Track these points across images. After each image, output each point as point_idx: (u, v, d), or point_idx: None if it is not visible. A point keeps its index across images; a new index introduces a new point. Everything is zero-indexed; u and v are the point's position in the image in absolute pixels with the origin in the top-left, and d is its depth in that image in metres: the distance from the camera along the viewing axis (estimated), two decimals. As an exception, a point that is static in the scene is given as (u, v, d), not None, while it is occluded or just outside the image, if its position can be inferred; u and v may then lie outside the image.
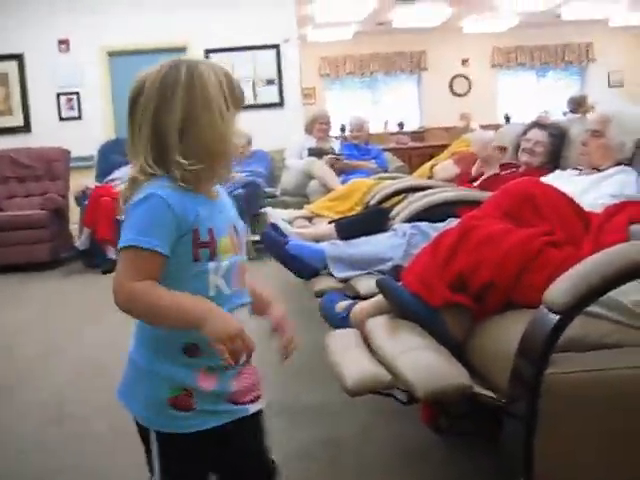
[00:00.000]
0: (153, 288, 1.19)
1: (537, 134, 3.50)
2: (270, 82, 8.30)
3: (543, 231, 1.86)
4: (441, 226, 2.65)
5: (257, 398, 1.38)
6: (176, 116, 1.23)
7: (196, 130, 1.23)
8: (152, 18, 8.00)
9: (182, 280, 1.23)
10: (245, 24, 8.09)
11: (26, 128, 8.21)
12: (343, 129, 10.49)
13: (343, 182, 5.17)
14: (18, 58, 8.13)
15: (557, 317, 1.39)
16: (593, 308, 1.55)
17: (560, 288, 1.45)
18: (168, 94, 1.25)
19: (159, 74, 1.31)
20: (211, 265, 1.24)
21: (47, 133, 7.93)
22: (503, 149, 3.86)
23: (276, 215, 3.86)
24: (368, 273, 2.59)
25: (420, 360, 1.58)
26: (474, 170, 3.94)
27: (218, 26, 8.09)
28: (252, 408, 1.36)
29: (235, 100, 1.29)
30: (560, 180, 2.79)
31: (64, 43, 8.13)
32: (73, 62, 8.13)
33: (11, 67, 8.17)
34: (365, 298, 2.24)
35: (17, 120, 8.23)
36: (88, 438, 2.35)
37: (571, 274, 1.47)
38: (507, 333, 1.61)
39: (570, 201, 2.03)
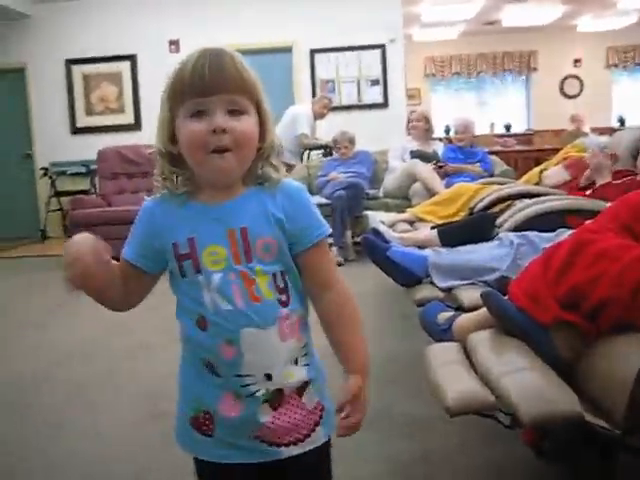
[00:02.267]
0: None
1: (658, 139, 3.30)
2: (375, 82, 8.25)
3: (666, 248, 1.72)
4: (550, 236, 2.52)
5: (300, 440, 1.16)
6: (160, 117, 1.15)
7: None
8: (259, 18, 8.12)
9: (182, 294, 1.16)
10: (351, 24, 8.08)
11: (137, 126, 8.51)
12: (448, 131, 10.31)
13: (447, 185, 5.05)
14: (131, 59, 8.43)
15: (684, 345, 1.27)
16: None
17: (687, 313, 1.32)
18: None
19: None
20: (201, 279, 1.11)
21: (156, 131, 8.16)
22: (614, 156, 3.66)
23: (377, 219, 3.80)
24: (472, 283, 2.49)
25: (527, 382, 1.48)
26: (583, 179, 3.75)
27: (324, 26, 8.12)
28: (288, 452, 1.15)
29: (190, 88, 1.09)
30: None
31: (174, 44, 8.37)
32: (182, 62, 8.33)
33: (124, 67, 8.49)
34: (469, 310, 2.15)
35: (128, 118, 8.55)
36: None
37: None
38: (624, 358, 1.49)
39: (697, 215, 1.87)
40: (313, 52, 8.24)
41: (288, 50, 8.26)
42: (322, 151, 6.96)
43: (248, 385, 1.11)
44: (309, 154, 7.15)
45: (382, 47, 8.18)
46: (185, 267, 1.13)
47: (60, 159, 8.58)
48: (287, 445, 1.14)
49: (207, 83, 1.08)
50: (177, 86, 1.10)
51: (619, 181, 3.36)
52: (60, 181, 8.50)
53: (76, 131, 8.69)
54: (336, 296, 1.23)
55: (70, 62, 8.59)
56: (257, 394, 1.11)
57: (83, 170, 8.38)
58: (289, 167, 6.75)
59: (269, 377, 1.11)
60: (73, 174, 8.47)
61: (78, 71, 8.62)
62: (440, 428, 2.27)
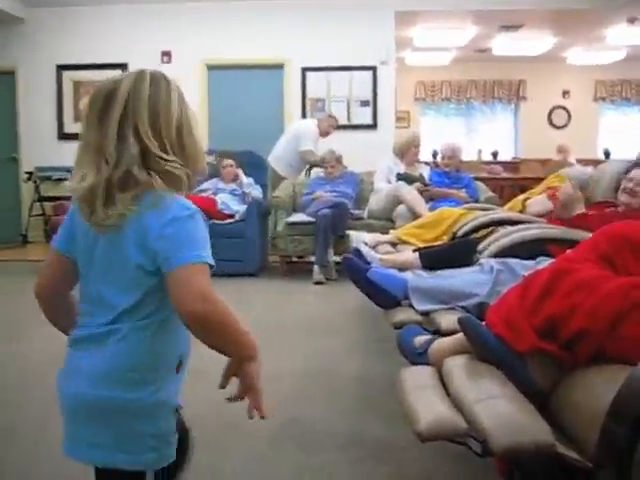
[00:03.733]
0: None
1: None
2: (365, 103, 8.28)
3: (644, 281, 1.72)
4: (531, 264, 2.53)
5: None
6: None
7: None
8: (252, 34, 8.14)
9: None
10: (343, 44, 8.12)
11: (125, 135, 8.46)
12: (435, 155, 10.36)
13: (431, 209, 5.06)
14: (122, 67, 8.40)
15: (658, 379, 1.26)
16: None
17: (663, 347, 1.32)
18: None
19: None
20: None
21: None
22: (583, 189, 3.70)
23: (359, 239, 3.79)
24: (451, 308, 2.49)
25: (499, 410, 1.47)
26: (555, 213, 3.77)
27: (316, 45, 8.15)
28: None
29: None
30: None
31: (166, 55, 8.38)
32: (174, 73, 8.28)
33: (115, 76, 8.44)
34: (446, 334, 2.14)
35: (117, 126, 8.50)
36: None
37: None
38: (598, 389, 1.48)
39: (677, 250, 1.87)
40: (305, 70, 8.27)
41: (280, 67, 8.28)
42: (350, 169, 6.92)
43: None
44: (310, 171, 7.12)
45: (373, 69, 8.22)
46: None
47: (46, 164, 8.51)
48: None
49: None
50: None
51: (594, 212, 3.38)
52: (44, 186, 8.44)
53: (63, 137, 8.64)
54: None
55: (61, 68, 8.57)
56: None
57: (68, 176, 8.28)
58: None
59: None
60: (58, 180, 8.41)
61: (68, 77, 8.60)
62: (414, 454, 2.25)
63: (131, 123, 1.26)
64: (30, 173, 8.45)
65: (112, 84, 1.29)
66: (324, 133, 6.93)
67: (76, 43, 8.50)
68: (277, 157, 6.91)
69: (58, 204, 6.72)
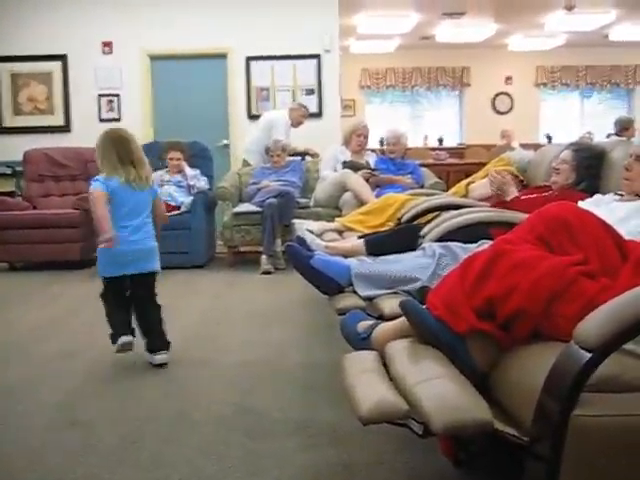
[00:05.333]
0: None
1: (565, 153, 3.40)
2: (310, 92, 8.26)
3: (578, 259, 1.76)
4: (473, 247, 2.56)
5: None
6: None
7: None
8: (194, 24, 8.03)
9: None
10: (287, 32, 8.07)
11: (66, 128, 8.30)
12: (382, 142, 10.41)
13: (377, 196, 5.09)
14: (62, 58, 8.22)
15: (588, 355, 1.29)
16: (629, 346, 1.44)
17: (593, 323, 1.35)
18: None
19: None
20: None
21: (86, 134, 7.96)
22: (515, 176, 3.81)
23: (303, 227, 3.79)
24: (394, 293, 2.51)
25: (439, 390, 1.49)
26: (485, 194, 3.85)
27: (260, 33, 8.09)
28: None
29: None
30: (599, 206, 2.68)
31: (107, 45, 8.21)
32: (115, 64, 8.19)
33: (55, 67, 8.26)
34: (389, 319, 2.16)
35: (58, 120, 8.33)
36: (94, 447, 2.29)
37: (607, 308, 1.38)
38: (533, 366, 1.52)
39: (608, 228, 1.92)
40: (249, 59, 8.20)
41: (223, 57, 8.20)
42: (299, 158, 6.89)
43: None
44: None
45: (318, 57, 8.19)
46: None
47: (-16, 159, 8.29)
48: None
49: None
50: None
51: (531, 196, 3.45)
52: (-16, 181, 8.22)
53: (2, 131, 8.40)
54: None
55: (-3, 59, 8.33)
56: None
57: (8, 171, 8.09)
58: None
59: None
60: (-2, 175, 8.20)
61: (6, 69, 8.35)
62: (361, 438, 2.27)
63: None
64: (-32, 169, 8.21)
65: None
66: (296, 123, 6.91)
67: (13, 34, 8.25)
68: (249, 149, 6.86)
69: (0, 200, 6.55)
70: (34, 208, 6.58)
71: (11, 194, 7.57)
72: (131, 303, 3.22)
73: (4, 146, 8.21)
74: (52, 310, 4.50)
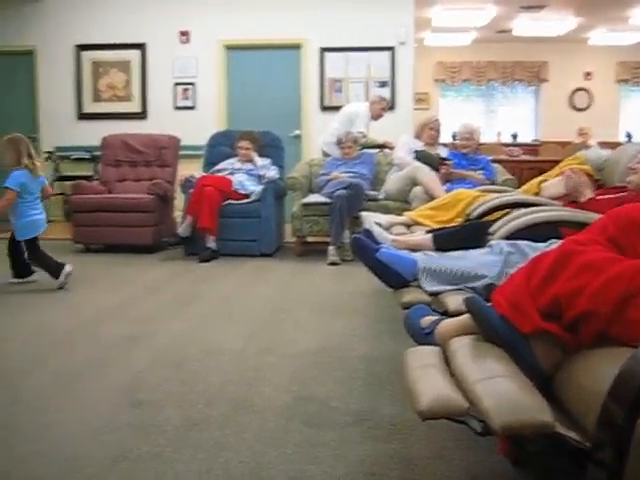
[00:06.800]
0: None
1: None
2: (383, 84, 8.24)
3: (652, 263, 1.71)
4: (541, 247, 2.52)
5: None
6: None
7: None
8: (270, 15, 8.12)
9: None
10: (362, 24, 8.07)
11: (143, 114, 8.52)
12: (455, 137, 10.28)
13: (448, 191, 5.04)
14: (141, 47, 8.43)
15: (659, 361, 1.26)
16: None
17: (664, 329, 1.31)
18: None
19: None
20: None
21: (162, 120, 8.19)
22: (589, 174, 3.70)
23: (371, 220, 3.79)
24: (459, 289, 2.49)
25: (500, 389, 1.47)
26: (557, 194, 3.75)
27: (335, 25, 8.11)
28: None
29: None
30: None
31: (185, 35, 8.37)
32: (192, 53, 8.35)
33: (134, 55, 8.48)
34: (453, 315, 2.15)
35: (135, 106, 8.56)
36: (159, 427, 2.36)
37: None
38: (600, 370, 1.48)
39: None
40: (323, 50, 8.23)
41: (297, 47, 8.25)
42: (378, 150, 6.89)
43: None
44: None
45: (392, 49, 8.16)
46: None
47: (65, 144, 8.58)
48: None
49: None
50: None
51: (605, 197, 3.35)
52: (64, 165, 8.51)
53: (82, 117, 8.69)
54: None
55: (80, 47, 8.59)
56: None
57: (87, 156, 8.38)
58: None
59: None
60: (77, 159, 8.47)
61: (87, 57, 8.62)
62: (421, 433, 2.27)
63: None
64: (50, 153, 8.52)
65: None
66: (376, 116, 6.90)
67: (95, 23, 8.51)
68: (328, 141, 6.86)
69: (76, 183, 6.76)
70: (110, 192, 6.78)
71: (88, 178, 7.83)
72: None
73: (83, 131, 8.49)
74: (122, 293, 4.63)
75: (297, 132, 8.32)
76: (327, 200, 5.86)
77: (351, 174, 6.13)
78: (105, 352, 3.28)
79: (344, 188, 5.79)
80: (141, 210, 6.24)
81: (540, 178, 4.41)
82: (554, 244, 2.45)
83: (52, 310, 4.16)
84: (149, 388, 2.76)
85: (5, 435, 2.30)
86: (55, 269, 4.66)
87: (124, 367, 3.04)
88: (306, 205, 6.04)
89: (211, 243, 5.87)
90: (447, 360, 1.81)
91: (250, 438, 2.26)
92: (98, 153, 7.60)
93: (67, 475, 2.02)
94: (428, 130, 6.14)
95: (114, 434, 2.30)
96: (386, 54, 8.18)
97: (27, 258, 4.73)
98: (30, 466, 2.07)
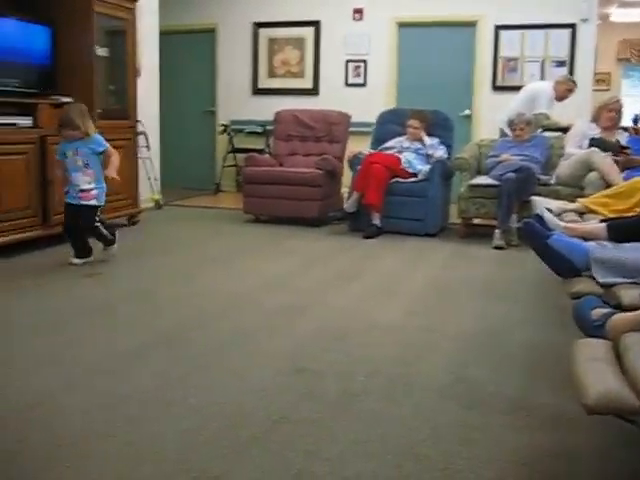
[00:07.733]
0: None
1: None
2: (560, 64, 7.89)
3: None
4: None
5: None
6: None
7: None
8: (446, -9, 7.98)
9: None
10: (541, 0, 7.74)
11: (314, 91, 8.70)
12: (636, 120, 9.67)
13: (626, 179, 4.76)
14: (315, 24, 8.60)
15: None
16: None
17: None
18: None
19: None
20: None
21: (333, 97, 8.33)
22: None
23: (542, 205, 3.67)
24: (634, 283, 2.36)
25: (678, 391, 1.40)
26: None
27: (512, 1, 7.84)
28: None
29: None
30: None
31: (358, 12, 8.43)
32: (364, 31, 8.40)
33: (308, 33, 8.67)
34: (627, 309, 2.05)
35: (307, 83, 8.76)
36: (320, 395, 2.44)
37: None
38: None
39: None
40: (498, 28, 7.99)
41: (472, 25, 8.07)
42: (560, 133, 6.63)
43: None
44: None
45: (572, 27, 7.78)
46: None
47: (239, 117, 8.96)
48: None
49: None
50: None
51: None
52: (237, 139, 8.90)
53: (257, 92, 9.02)
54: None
55: (257, 25, 8.90)
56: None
57: (259, 130, 8.70)
58: None
59: None
60: (250, 133, 8.83)
61: (264, 34, 8.91)
62: (581, 426, 2.19)
63: None
64: (225, 126, 8.93)
65: None
66: (560, 97, 6.66)
67: (272, 1, 8.78)
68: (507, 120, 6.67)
69: (249, 156, 7.05)
70: (280, 165, 7.00)
71: (261, 151, 8.14)
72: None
73: (258, 106, 8.82)
74: (287, 264, 4.79)
75: (467, 112, 8.16)
76: (495, 182, 5.72)
77: (522, 157, 5.93)
78: (270, 319, 3.43)
79: (514, 171, 5.62)
80: (309, 184, 6.39)
81: None
82: None
83: (222, 275, 4.40)
84: (311, 357, 2.86)
85: (179, 385, 2.48)
86: (111, 240, 4.67)
87: (288, 335, 3.17)
88: (473, 187, 5.93)
89: (376, 220, 5.93)
90: (618, 355, 1.74)
91: (407, 414, 2.29)
92: (270, 127, 7.86)
93: (234, 429, 2.15)
94: (607, 112, 5.80)
95: (276, 397, 2.42)
96: (566, 32, 7.80)
97: (99, 225, 4.55)
98: (194, 419, 2.22)
